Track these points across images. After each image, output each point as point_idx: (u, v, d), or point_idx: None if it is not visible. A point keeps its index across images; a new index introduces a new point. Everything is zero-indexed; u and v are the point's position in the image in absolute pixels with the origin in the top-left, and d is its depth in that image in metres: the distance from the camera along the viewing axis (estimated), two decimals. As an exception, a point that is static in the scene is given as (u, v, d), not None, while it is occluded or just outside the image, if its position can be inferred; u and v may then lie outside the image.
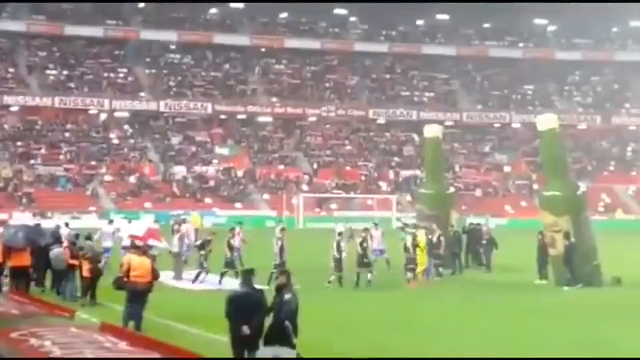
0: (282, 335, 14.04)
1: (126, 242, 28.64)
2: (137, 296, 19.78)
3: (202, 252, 29.65)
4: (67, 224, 34.45)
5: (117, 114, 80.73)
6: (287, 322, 14.10)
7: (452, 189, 40.14)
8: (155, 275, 20.24)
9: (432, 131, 38.25)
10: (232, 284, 23.86)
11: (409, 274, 30.15)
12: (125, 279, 20.08)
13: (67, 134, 78.55)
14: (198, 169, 77.79)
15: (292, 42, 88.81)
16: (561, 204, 30.13)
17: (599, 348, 18.60)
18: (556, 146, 32.00)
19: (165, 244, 30.07)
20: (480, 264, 35.04)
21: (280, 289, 14.62)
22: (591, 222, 31.85)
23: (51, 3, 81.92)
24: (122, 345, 8.09)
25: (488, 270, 34.36)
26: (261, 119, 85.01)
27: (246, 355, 14.45)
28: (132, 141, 79.85)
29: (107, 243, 32.05)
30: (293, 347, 13.99)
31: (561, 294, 28.29)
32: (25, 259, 25.32)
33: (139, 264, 20.06)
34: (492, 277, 32.73)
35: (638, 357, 17.38)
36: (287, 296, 14.37)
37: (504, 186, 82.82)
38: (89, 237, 25.56)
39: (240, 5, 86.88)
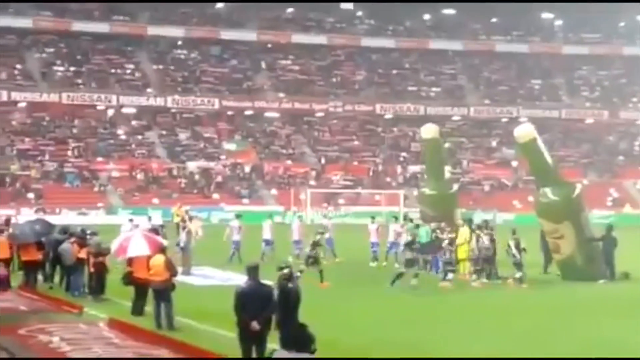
0: (301, 340, 14.08)
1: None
2: (158, 295, 19.76)
3: (315, 250, 29.03)
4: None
5: (124, 110, 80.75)
6: (309, 329, 14.18)
7: (455, 188, 39.51)
8: (172, 271, 20.18)
9: (429, 132, 37.17)
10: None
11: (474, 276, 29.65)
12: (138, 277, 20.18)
13: (74, 130, 78.54)
14: (205, 164, 77.76)
15: (299, 38, 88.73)
16: (559, 210, 29.93)
17: (603, 344, 18.63)
18: (539, 154, 31.44)
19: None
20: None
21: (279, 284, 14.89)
22: (590, 220, 31.81)
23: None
24: (130, 341, 8.09)
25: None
26: (268, 114, 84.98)
27: (254, 350, 14.49)
28: (139, 137, 79.84)
29: None
30: (312, 352, 14.06)
31: (568, 289, 28.31)
32: (32, 253, 25.42)
33: (154, 262, 20.01)
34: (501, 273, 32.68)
35: (638, 358, 17.37)
36: (275, 293, 14.64)
37: (512, 181, 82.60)
38: (95, 233, 25.57)
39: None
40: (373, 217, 37.03)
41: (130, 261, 21.58)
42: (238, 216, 37.77)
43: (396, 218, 36.74)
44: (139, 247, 21.25)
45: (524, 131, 31.47)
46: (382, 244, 35.14)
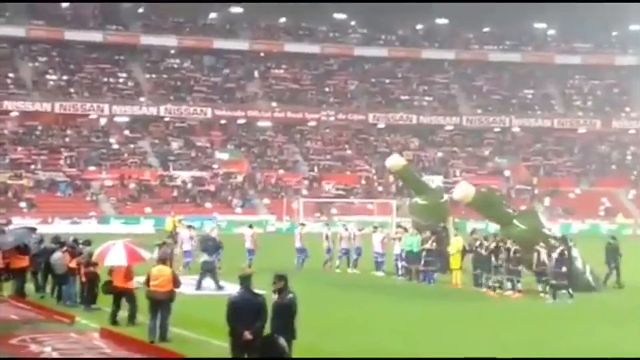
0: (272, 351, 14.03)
1: None
2: (158, 306, 19.62)
3: (501, 256, 28.98)
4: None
5: (117, 119, 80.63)
6: (282, 340, 14.12)
7: (445, 197, 39.72)
8: (176, 283, 20.02)
9: (396, 164, 37.59)
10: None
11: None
12: (146, 289, 20.08)
13: (67, 139, 78.40)
14: (198, 173, 77.68)
15: (291, 47, 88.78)
16: (530, 238, 29.75)
17: (599, 351, 18.62)
18: (490, 198, 32.15)
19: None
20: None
21: (278, 294, 14.72)
22: (549, 229, 32.00)
23: (51, 8, 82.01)
24: (122, 351, 8.05)
25: None
26: (261, 123, 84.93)
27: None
28: (132, 146, 79.71)
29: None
30: None
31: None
32: (17, 261, 25.41)
33: (158, 273, 19.86)
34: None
35: (638, 358, 17.38)
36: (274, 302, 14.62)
37: (504, 190, 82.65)
38: (88, 242, 25.49)
39: (240, 9, 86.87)
40: (376, 227, 36.99)
41: (110, 270, 21.60)
42: (302, 225, 39.44)
43: (376, 227, 36.96)
44: (116, 257, 21.25)
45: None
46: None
